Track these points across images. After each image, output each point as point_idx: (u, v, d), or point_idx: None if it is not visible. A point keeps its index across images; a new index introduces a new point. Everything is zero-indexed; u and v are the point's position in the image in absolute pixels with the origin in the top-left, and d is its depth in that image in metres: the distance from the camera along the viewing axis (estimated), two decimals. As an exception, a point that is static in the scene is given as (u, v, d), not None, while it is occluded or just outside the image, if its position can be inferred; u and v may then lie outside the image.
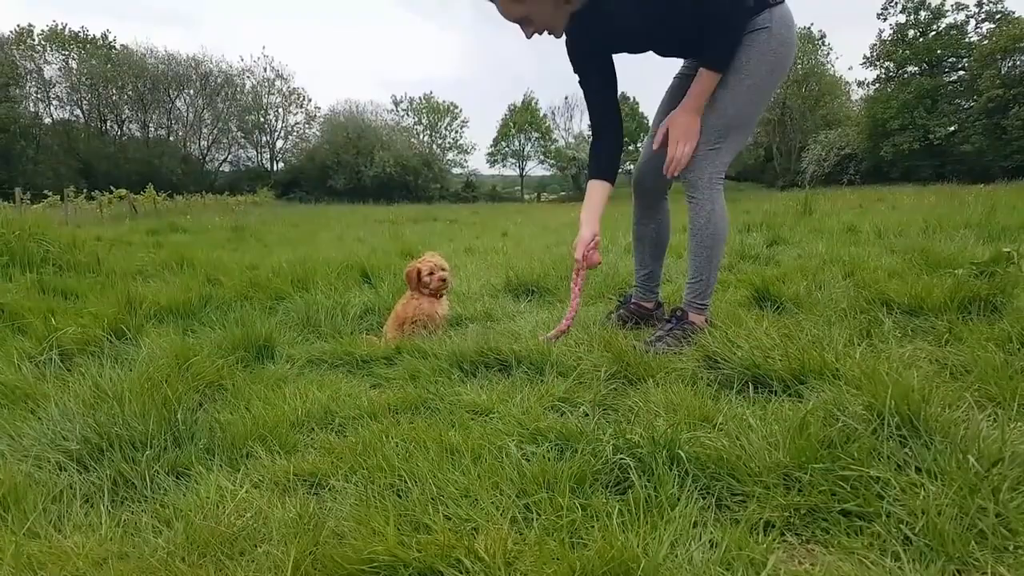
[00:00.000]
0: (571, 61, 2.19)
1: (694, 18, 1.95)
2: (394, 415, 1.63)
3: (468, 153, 55.77)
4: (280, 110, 50.36)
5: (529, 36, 1.97)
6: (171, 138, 46.33)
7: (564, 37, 2.11)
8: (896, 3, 37.00)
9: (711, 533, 1.03)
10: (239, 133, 48.94)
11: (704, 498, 1.14)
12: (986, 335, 1.90)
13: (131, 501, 1.26)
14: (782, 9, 2.00)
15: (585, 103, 2.22)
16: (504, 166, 57.32)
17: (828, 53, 44.74)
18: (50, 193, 17.72)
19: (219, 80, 46.53)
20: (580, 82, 2.20)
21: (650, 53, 2.20)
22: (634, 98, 51.48)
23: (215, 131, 47.90)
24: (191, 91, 46.15)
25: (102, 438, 1.42)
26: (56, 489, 1.27)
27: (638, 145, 33.47)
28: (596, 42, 2.11)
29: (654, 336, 2.14)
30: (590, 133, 2.24)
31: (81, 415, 1.52)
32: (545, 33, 1.99)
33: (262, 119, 49.02)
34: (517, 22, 1.93)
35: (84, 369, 1.88)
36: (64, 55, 41.64)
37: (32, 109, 39.59)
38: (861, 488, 1.10)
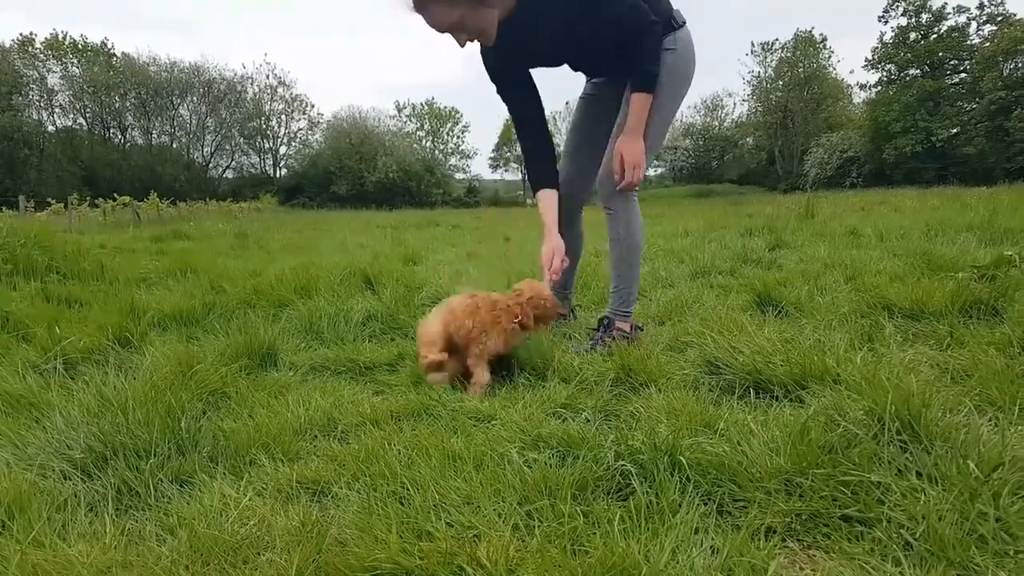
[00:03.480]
0: (489, 73, 2.21)
1: (608, 39, 2.03)
2: (396, 422, 1.64)
3: (470, 158, 55.83)
4: (283, 116, 50.57)
5: (463, 44, 1.93)
6: (174, 145, 46.44)
7: (482, 50, 2.09)
8: (897, 6, 37.00)
9: (712, 539, 1.04)
10: (242, 140, 49.10)
11: (705, 504, 1.15)
12: (987, 339, 1.90)
13: (135, 509, 1.26)
14: (684, 31, 2.14)
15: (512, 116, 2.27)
16: (506, 171, 57.52)
17: (830, 56, 44.75)
18: (53, 201, 17.81)
19: (222, 87, 46.70)
20: (500, 93, 2.25)
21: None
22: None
23: (218, 138, 48.07)
24: (194, 98, 46.33)
25: (106, 447, 1.43)
26: (61, 498, 1.28)
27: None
28: (516, 54, 2.12)
29: (590, 344, 2.22)
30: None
31: (85, 424, 1.53)
32: (475, 41, 1.96)
33: (264, 125, 49.21)
34: (449, 30, 1.87)
35: (88, 378, 1.89)
36: (66, 63, 41.84)
37: (35, 117, 39.69)
38: (862, 493, 1.10)
